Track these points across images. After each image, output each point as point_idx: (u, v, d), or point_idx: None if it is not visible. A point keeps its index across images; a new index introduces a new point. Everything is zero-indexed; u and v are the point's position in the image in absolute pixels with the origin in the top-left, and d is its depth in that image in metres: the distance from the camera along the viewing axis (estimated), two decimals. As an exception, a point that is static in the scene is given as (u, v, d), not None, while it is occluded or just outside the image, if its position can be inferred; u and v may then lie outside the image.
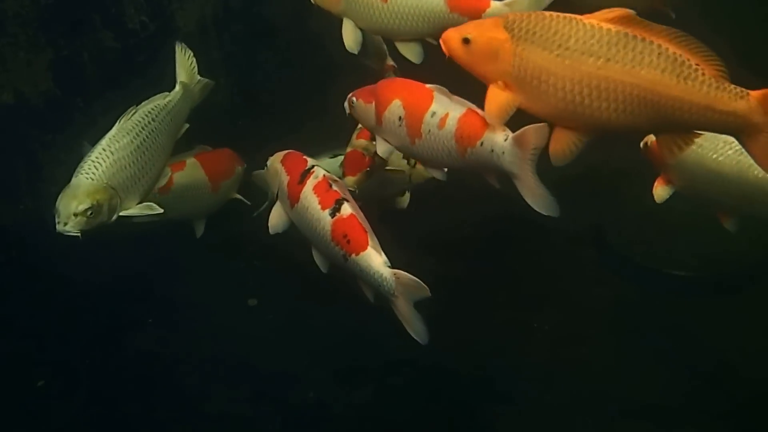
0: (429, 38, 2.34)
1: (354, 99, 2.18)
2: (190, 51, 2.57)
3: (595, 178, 2.93)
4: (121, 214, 2.23)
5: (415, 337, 2.04)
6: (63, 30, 2.65)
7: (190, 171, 2.67)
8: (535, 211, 1.98)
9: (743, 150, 1.95)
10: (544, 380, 2.37)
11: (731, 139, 2.11)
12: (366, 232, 2.07)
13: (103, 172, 2.19)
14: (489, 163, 1.97)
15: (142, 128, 2.34)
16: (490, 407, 2.32)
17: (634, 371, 2.38)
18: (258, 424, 2.31)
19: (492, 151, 1.95)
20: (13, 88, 2.59)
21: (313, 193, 2.15)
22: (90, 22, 2.70)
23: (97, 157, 2.22)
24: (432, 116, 2.04)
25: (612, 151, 2.83)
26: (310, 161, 2.26)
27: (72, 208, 2.11)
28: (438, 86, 2.10)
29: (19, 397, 2.37)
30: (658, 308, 2.58)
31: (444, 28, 2.05)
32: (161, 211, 2.29)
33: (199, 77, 2.58)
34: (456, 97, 2.08)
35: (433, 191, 2.85)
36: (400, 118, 2.09)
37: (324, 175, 2.19)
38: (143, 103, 2.41)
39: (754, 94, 1.80)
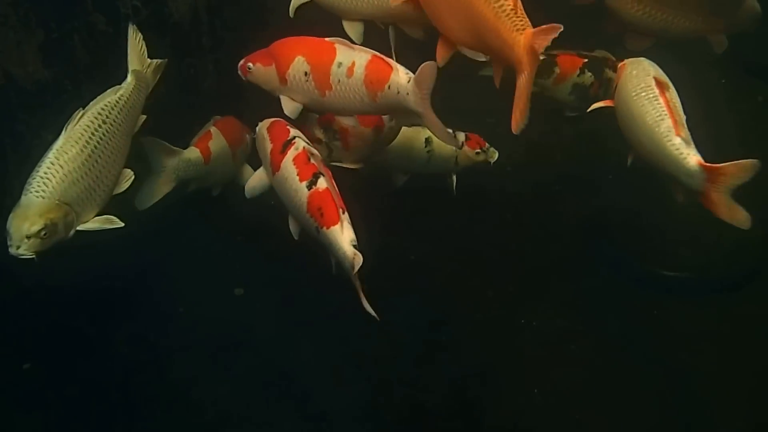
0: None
1: (250, 64, 2.26)
2: (140, 34, 2.42)
3: (591, 178, 2.95)
4: (78, 228, 2.10)
5: (369, 311, 2.11)
6: (54, 12, 2.60)
7: (217, 140, 2.65)
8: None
9: (656, 95, 2.20)
10: (533, 375, 2.39)
11: (651, 83, 2.27)
12: (338, 207, 2.13)
13: (53, 189, 2.04)
14: (397, 104, 2.12)
15: (93, 133, 2.16)
16: (479, 402, 2.32)
17: (622, 368, 2.40)
18: (248, 414, 2.30)
19: (398, 92, 2.09)
20: (1, 69, 2.54)
21: (293, 164, 2.21)
22: (82, 4, 2.65)
23: (45, 173, 2.06)
24: (339, 66, 2.16)
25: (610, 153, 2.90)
26: (293, 131, 2.31)
27: (24, 231, 1.97)
28: (337, 38, 2.21)
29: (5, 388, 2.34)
30: (648, 306, 2.61)
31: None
32: (122, 224, 2.15)
33: (149, 60, 2.44)
34: (356, 45, 2.20)
35: (424, 188, 2.89)
36: (306, 73, 2.20)
37: (304, 147, 2.24)
38: (91, 103, 2.24)
39: (531, 31, 1.93)
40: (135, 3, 2.74)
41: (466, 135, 2.71)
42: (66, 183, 2.06)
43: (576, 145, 3.05)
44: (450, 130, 2.24)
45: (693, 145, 2.19)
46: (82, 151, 2.12)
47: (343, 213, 2.11)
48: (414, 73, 2.06)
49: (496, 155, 2.71)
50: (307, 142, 2.29)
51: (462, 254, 2.80)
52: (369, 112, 2.24)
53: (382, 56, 2.14)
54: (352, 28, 2.51)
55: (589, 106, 2.62)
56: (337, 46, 2.18)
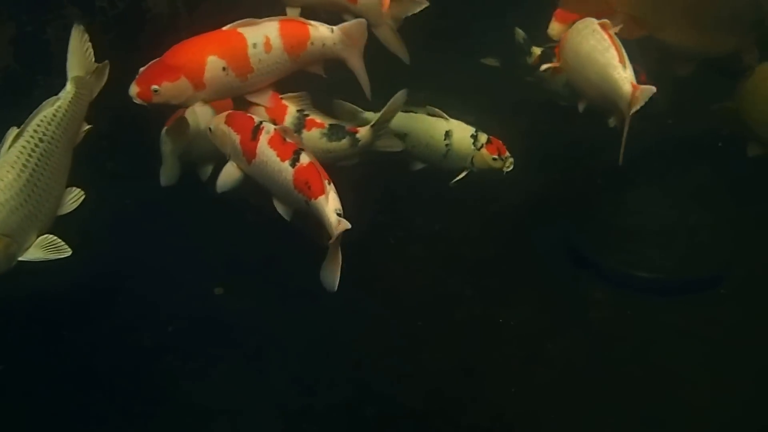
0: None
1: (155, 87, 2.19)
2: (87, 35, 2.23)
3: (568, 181, 2.96)
4: (21, 259, 1.98)
5: (323, 281, 2.15)
6: (27, 4, 2.56)
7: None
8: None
9: (603, 37, 2.44)
10: (511, 374, 2.38)
11: (596, 26, 2.50)
12: (324, 178, 2.19)
13: None
14: (323, 56, 2.35)
15: (30, 154, 2.00)
16: (457, 401, 2.32)
17: (600, 367, 2.41)
18: (228, 409, 2.28)
19: (324, 45, 2.32)
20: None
21: (270, 147, 2.24)
22: (57, -2, 2.62)
23: None
24: (255, 47, 2.25)
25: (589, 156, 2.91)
26: (257, 118, 2.31)
27: None
28: (233, 24, 2.23)
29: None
30: (626, 306, 2.61)
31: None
32: (69, 252, 2.02)
33: (95, 65, 2.26)
34: (257, 20, 2.24)
35: (405, 187, 2.88)
36: (224, 68, 2.22)
37: (275, 129, 2.26)
38: (27, 120, 2.07)
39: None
40: (111, -5, 2.71)
41: (488, 138, 2.72)
42: (4, 213, 1.92)
43: (562, 144, 3.06)
44: (473, 130, 2.62)
45: (631, 71, 2.42)
46: (19, 176, 1.96)
47: (329, 184, 2.17)
48: None
49: (512, 167, 2.72)
50: (275, 124, 2.31)
51: (441, 252, 2.79)
52: (292, 71, 2.34)
53: (290, 18, 2.25)
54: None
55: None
56: (240, 29, 2.23)
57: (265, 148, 2.24)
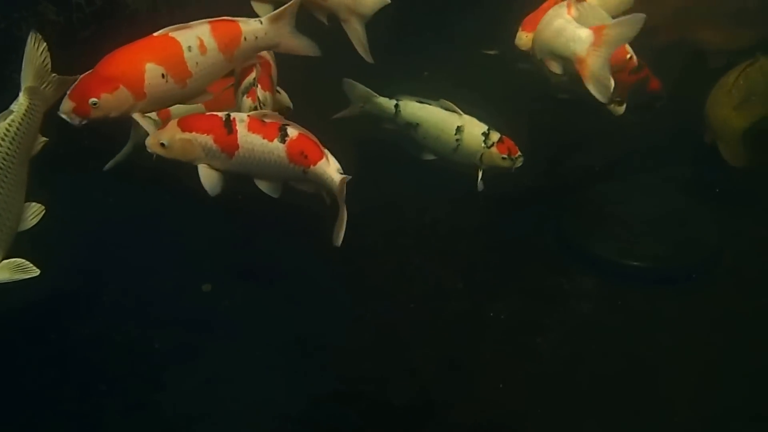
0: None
1: (93, 99, 2.08)
2: (44, 44, 2.12)
3: (557, 173, 2.94)
4: None
5: (334, 237, 2.24)
6: (1, 0, 2.52)
7: None
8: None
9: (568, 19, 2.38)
10: (500, 371, 2.36)
11: (564, 12, 2.42)
12: (318, 144, 2.26)
13: None
14: (258, 49, 2.34)
15: None
16: (446, 397, 2.30)
17: (592, 361, 2.39)
18: (210, 412, 2.26)
19: (257, 38, 2.31)
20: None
21: (252, 133, 2.24)
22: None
23: None
24: (190, 50, 2.20)
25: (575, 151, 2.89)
26: (220, 113, 2.29)
27: None
28: (165, 29, 2.19)
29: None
30: (614, 297, 2.60)
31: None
32: (37, 272, 1.96)
33: (52, 75, 2.15)
34: (184, 24, 2.22)
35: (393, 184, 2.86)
36: (163, 75, 2.16)
37: (248, 115, 2.27)
38: None
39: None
40: (88, -9, 2.67)
41: (500, 137, 2.73)
42: None
43: (558, 136, 3.04)
44: (485, 128, 2.68)
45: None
46: None
47: (324, 149, 2.26)
48: None
49: (521, 163, 2.74)
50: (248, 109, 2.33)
51: (431, 245, 2.78)
52: (229, 69, 2.32)
53: (220, 18, 2.24)
54: (262, 9, 2.48)
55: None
56: (172, 34, 2.19)
57: (247, 136, 2.24)
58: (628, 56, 2.53)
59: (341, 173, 2.24)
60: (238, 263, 2.65)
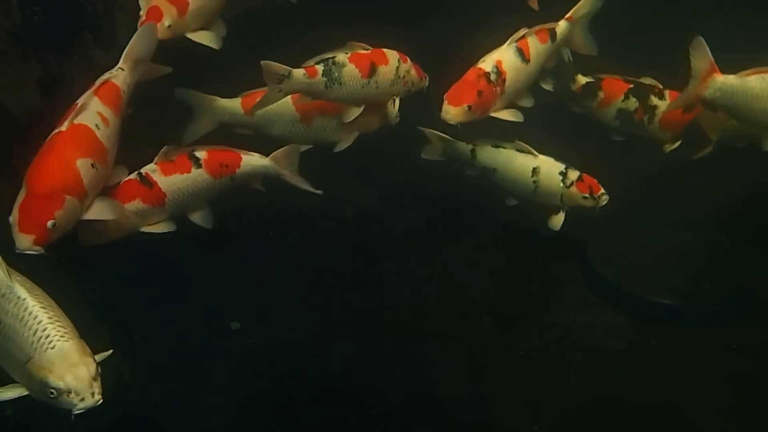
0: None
1: (51, 221, 2.02)
2: None
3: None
4: None
5: (312, 189, 2.62)
6: (53, 47, 2.64)
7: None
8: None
9: None
10: (531, 407, 2.35)
11: None
12: (230, 148, 2.52)
13: None
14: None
15: None
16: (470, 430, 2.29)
17: (622, 400, 2.37)
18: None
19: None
20: (-1, 103, 2.56)
21: (169, 176, 2.44)
22: (81, 39, 2.69)
23: None
24: (98, 128, 2.25)
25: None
26: (132, 174, 2.40)
27: None
28: (66, 121, 2.21)
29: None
30: (643, 334, 2.57)
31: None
32: None
33: None
34: (74, 108, 2.26)
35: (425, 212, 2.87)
36: (92, 165, 2.17)
37: (155, 162, 2.45)
38: None
39: None
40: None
41: (580, 175, 2.67)
42: None
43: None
44: (562, 167, 2.65)
45: None
46: None
47: (237, 149, 2.53)
48: None
49: (606, 202, 2.65)
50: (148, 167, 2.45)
51: (459, 279, 2.76)
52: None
53: (99, 85, 2.34)
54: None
55: (635, 131, 2.86)
56: (77, 121, 2.21)
57: (167, 181, 2.43)
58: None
59: (267, 157, 2.51)
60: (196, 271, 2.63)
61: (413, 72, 2.75)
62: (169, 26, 2.51)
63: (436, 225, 2.89)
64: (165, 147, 2.49)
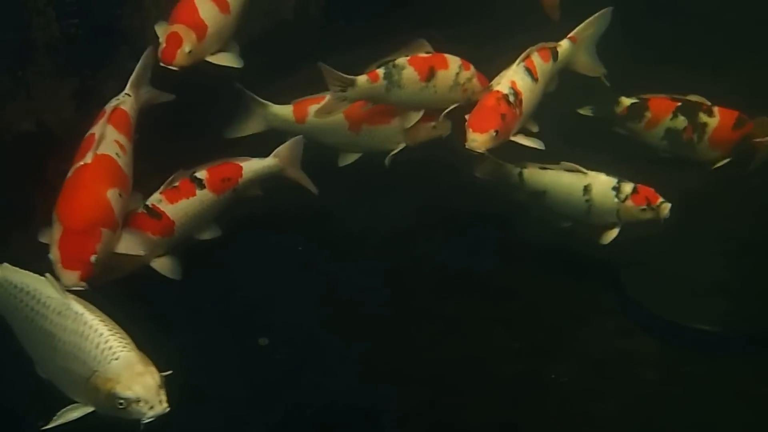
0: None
1: (93, 256, 2.02)
2: None
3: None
4: None
5: (312, 188, 2.62)
6: (90, 59, 2.65)
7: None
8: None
9: None
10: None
11: None
12: (232, 160, 2.54)
13: None
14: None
15: None
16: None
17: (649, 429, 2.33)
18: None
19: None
20: (35, 116, 2.59)
21: (175, 203, 2.43)
22: (118, 52, 2.71)
23: None
24: (119, 156, 2.26)
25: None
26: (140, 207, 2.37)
27: None
28: (87, 154, 2.19)
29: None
30: (679, 363, 2.52)
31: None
32: None
33: None
34: (90, 139, 2.27)
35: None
36: (120, 195, 2.19)
37: (160, 192, 2.43)
38: None
39: None
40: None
41: (634, 187, 2.57)
42: None
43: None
44: (615, 181, 2.55)
45: None
46: None
47: (233, 158, 2.55)
48: None
49: (667, 211, 2.52)
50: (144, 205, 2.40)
51: (488, 304, 2.73)
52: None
53: (113, 109, 2.35)
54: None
55: (683, 151, 2.81)
56: (99, 152, 2.21)
57: (175, 208, 2.42)
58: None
59: (268, 157, 2.53)
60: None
61: (475, 81, 2.70)
62: (190, 52, 2.45)
63: (466, 247, 2.86)
64: (171, 176, 2.48)
